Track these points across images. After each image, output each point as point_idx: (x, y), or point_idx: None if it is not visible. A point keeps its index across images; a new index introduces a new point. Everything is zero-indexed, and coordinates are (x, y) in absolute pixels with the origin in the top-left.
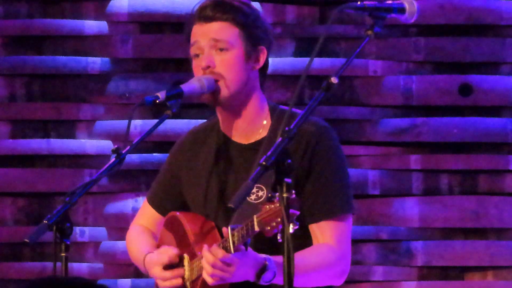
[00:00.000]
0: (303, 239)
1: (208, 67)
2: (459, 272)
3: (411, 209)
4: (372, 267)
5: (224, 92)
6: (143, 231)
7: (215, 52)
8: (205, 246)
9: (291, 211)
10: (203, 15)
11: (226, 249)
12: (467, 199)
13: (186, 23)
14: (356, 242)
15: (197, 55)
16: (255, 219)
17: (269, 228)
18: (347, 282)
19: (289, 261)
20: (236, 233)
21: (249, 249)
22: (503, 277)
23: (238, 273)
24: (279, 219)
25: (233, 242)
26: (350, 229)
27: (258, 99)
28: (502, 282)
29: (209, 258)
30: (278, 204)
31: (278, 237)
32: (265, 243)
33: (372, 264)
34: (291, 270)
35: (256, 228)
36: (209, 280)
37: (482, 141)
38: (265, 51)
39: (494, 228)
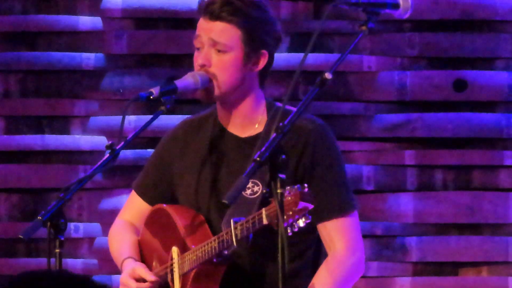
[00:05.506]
0: (306, 236)
1: (204, 65)
2: (454, 267)
3: (405, 205)
4: (366, 263)
5: (216, 91)
6: (125, 228)
7: (214, 51)
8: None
9: (303, 204)
10: (209, 10)
11: (226, 242)
12: (462, 195)
13: (198, 5)
14: None
15: (198, 48)
16: (264, 212)
17: (277, 221)
18: None
19: (283, 258)
20: (239, 226)
21: None
22: (498, 272)
23: None
24: (290, 213)
25: (236, 235)
26: (359, 223)
27: (255, 96)
28: (497, 277)
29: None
30: (289, 198)
31: (289, 230)
32: (265, 237)
33: (367, 260)
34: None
35: (265, 221)
36: None
37: (477, 137)
38: (267, 55)
39: (488, 223)
